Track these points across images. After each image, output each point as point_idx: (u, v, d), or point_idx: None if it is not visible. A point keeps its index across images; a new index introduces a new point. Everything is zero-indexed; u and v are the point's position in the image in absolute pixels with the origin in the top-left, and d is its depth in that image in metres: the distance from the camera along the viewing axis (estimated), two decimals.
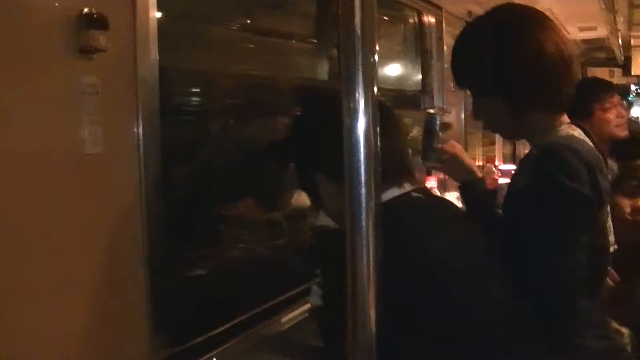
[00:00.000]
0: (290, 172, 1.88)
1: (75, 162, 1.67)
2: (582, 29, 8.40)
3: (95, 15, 1.67)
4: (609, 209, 1.93)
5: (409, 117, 4.23)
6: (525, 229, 1.76)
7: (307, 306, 2.60)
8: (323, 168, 1.69)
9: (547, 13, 2.01)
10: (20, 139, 1.54)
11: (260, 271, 2.72)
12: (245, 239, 2.72)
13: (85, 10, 1.66)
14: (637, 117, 11.43)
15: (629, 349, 2.00)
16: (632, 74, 11.93)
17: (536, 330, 1.65)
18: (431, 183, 4.15)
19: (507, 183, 2.11)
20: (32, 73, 1.57)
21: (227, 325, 2.25)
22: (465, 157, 2.18)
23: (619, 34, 8.49)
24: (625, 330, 2.05)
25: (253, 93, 2.68)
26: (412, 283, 1.51)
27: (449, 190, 4.27)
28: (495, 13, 1.95)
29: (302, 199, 2.59)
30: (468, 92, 2.07)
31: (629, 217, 2.87)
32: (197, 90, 2.36)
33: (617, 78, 11.58)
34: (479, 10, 2.35)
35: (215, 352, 2.16)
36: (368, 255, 1.06)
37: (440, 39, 4.48)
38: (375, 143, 1.04)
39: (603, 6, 6.29)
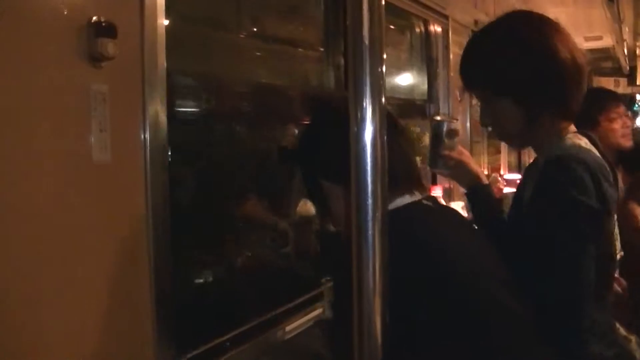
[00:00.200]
0: (297, 179, 1.88)
1: (83, 169, 1.68)
2: (587, 39, 8.41)
3: (104, 24, 1.67)
4: (616, 217, 1.92)
5: (417, 125, 4.24)
6: (533, 241, 1.75)
7: (313, 314, 2.60)
8: (332, 175, 1.69)
9: None
10: (29, 146, 1.54)
11: (266, 279, 2.72)
12: (251, 246, 2.73)
13: (94, 18, 1.67)
14: None
15: (637, 355, 1.99)
16: (638, 83, 11.93)
17: (547, 339, 1.65)
18: (437, 192, 4.15)
19: (512, 192, 2.11)
20: (41, 81, 1.57)
21: (233, 333, 2.25)
22: (472, 164, 2.18)
23: (625, 44, 8.49)
24: (633, 337, 2.05)
25: (260, 99, 2.68)
26: (428, 284, 1.51)
27: (454, 200, 4.27)
28: (510, 17, 1.95)
29: (308, 206, 2.59)
30: (474, 101, 2.06)
31: None
32: (204, 97, 2.36)
33: (623, 88, 11.58)
34: (485, 19, 2.36)
35: (221, 359, 2.16)
36: (374, 265, 1.06)
37: (446, 47, 4.49)
38: (383, 152, 1.04)
39: (609, 16, 6.30)
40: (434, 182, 4.38)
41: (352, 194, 1.06)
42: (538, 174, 1.83)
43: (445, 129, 2.12)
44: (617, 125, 3.60)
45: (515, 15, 1.96)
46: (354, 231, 1.07)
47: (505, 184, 5.12)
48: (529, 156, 2.67)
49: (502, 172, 5.99)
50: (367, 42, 1.03)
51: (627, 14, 6.45)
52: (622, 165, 3.88)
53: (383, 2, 1.06)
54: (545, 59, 1.82)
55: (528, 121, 1.87)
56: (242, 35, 2.82)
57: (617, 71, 11.93)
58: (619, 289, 2.27)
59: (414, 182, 1.74)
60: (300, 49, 3.26)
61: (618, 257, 1.98)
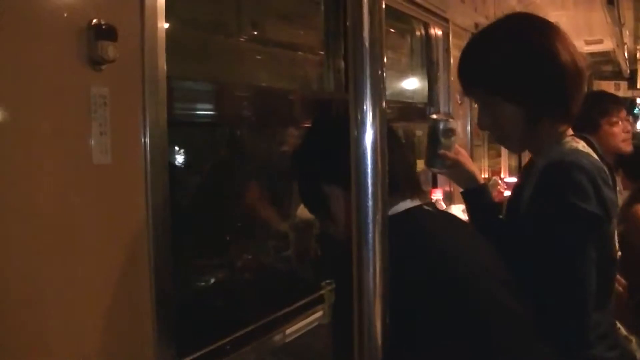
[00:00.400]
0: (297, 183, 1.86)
1: (83, 171, 1.68)
2: (588, 42, 8.42)
3: (104, 26, 1.67)
4: (615, 221, 1.92)
5: (419, 129, 4.24)
6: (534, 246, 1.75)
7: (313, 317, 2.60)
8: (336, 178, 1.68)
9: None
10: (30, 148, 1.54)
11: (267, 281, 2.72)
12: (252, 249, 2.73)
13: (94, 21, 1.67)
14: None
15: (638, 355, 2.00)
16: (638, 87, 11.93)
17: (550, 342, 1.65)
18: (437, 195, 4.15)
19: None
20: (42, 83, 1.57)
21: (234, 336, 2.25)
22: (469, 163, 2.18)
23: (625, 47, 8.50)
24: (633, 337, 2.06)
25: (260, 102, 2.68)
26: (429, 287, 1.51)
27: (454, 203, 4.27)
28: (511, 19, 1.94)
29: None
30: (475, 105, 2.05)
31: None
32: (204, 100, 2.36)
33: (623, 91, 11.59)
34: (485, 23, 2.36)
35: None
36: (374, 267, 1.06)
37: (446, 50, 4.49)
38: (383, 155, 1.04)
39: (609, 19, 6.30)
40: (435, 185, 4.39)
41: (353, 196, 1.07)
42: (537, 178, 1.83)
43: (442, 127, 2.12)
44: (618, 130, 3.61)
45: (516, 17, 1.96)
46: (354, 233, 1.07)
47: (505, 187, 5.12)
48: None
49: (502, 175, 5.99)
50: (367, 44, 1.03)
51: (628, 17, 6.45)
52: (623, 170, 3.88)
53: (383, 5, 1.06)
54: (547, 61, 1.81)
55: (528, 124, 1.86)
56: (242, 39, 2.83)
57: (617, 75, 11.94)
58: (619, 288, 2.28)
59: (414, 187, 1.74)
60: (300, 52, 3.27)
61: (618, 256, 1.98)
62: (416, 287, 1.49)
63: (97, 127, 1.70)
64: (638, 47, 9.70)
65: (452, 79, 4.45)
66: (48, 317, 1.59)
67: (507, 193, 4.80)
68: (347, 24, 1.06)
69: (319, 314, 2.63)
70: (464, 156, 2.18)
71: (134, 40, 1.81)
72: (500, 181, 5.40)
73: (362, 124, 1.04)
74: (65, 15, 1.62)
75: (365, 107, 1.03)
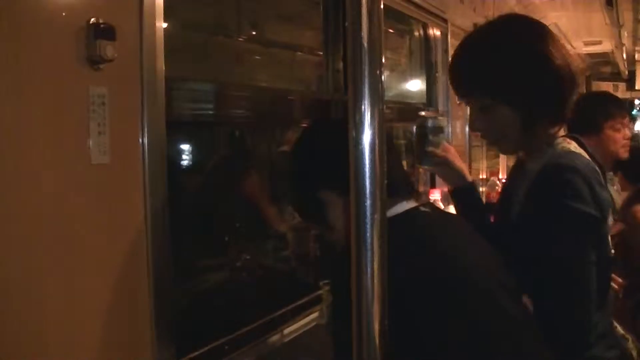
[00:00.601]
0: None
1: (82, 171, 1.68)
2: (587, 43, 8.43)
3: (102, 26, 1.67)
4: (610, 220, 1.93)
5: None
6: (533, 251, 1.75)
7: (311, 317, 2.60)
8: (333, 185, 1.67)
9: (553, 27, 2.04)
10: (28, 148, 1.54)
11: (265, 282, 2.72)
12: (250, 249, 2.73)
13: (93, 20, 1.66)
14: (639, 132, 11.40)
15: (634, 354, 2.00)
16: (637, 88, 11.94)
17: (550, 344, 1.65)
18: (435, 195, 4.15)
19: None
20: (40, 83, 1.57)
21: (232, 336, 2.25)
22: (457, 161, 2.18)
23: (624, 49, 8.50)
24: (629, 336, 2.06)
25: (259, 103, 2.68)
26: (428, 291, 1.51)
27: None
28: (505, 22, 1.93)
29: None
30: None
31: None
32: (203, 100, 2.36)
33: (622, 92, 11.60)
34: None
35: None
36: (372, 268, 1.06)
37: (445, 51, 4.49)
38: (382, 156, 1.04)
39: (608, 21, 6.30)
40: (433, 186, 4.39)
41: (351, 197, 1.06)
42: (531, 180, 1.83)
43: (430, 125, 2.12)
44: (619, 135, 3.60)
45: (511, 20, 1.94)
46: (352, 234, 1.07)
47: None
48: None
49: (500, 176, 5.99)
50: (366, 45, 1.02)
51: (627, 18, 6.45)
52: (621, 172, 3.88)
53: (382, 5, 1.06)
54: (543, 64, 1.81)
55: (522, 127, 1.85)
56: (241, 39, 2.82)
57: (616, 76, 11.94)
58: (615, 286, 2.29)
59: (409, 188, 1.74)
60: (299, 53, 3.26)
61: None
62: (415, 289, 1.49)
63: (95, 126, 1.69)
64: (637, 49, 9.70)
65: None
66: (46, 317, 1.59)
67: None
68: (346, 24, 1.05)
69: (317, 314, 2.63)
70: (452, 154, 2.19)
71: (132, 39, 1.81)
72: (498, 182, 5.40)
73: (361, 124, 1.03)
74: (64, 14, 1.62)
75: (363, 108, 1.03)
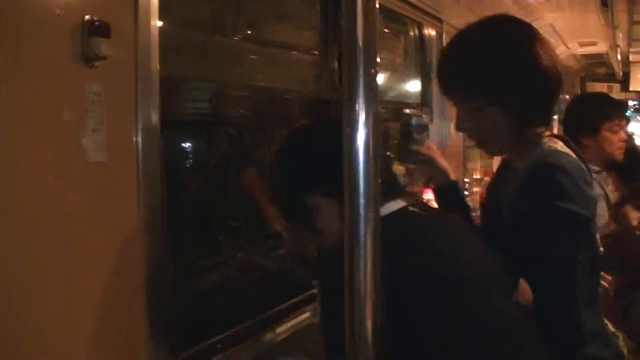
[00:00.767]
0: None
1: (77, 168, 1.67)
2: (582, 44, 8.45)
3: (97, 23, 1.67)
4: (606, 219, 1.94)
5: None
6: (524, 251, 1.76)
7: (305, 316, 2.60)
8: (323, 188, 1.66)
9: (549, 28, 2.04)
10: (23, 145, 1.54)
11: (259, 281, 2.72)
12: (245, 248, 2.73)
13: (87, 17, 1.66)
14: (633, 133, 11.43)
15: (624, 351, 2.02)
16: (631, 89, 11.96)
17: (546, 343, 1.65)
18: (429, 195, 4.14)
19: None
20: (35, 80, 1.57)
21: (226, 334, 2.25)
22: (440, 159, 2.19)
23: (619, 50, 8.52)
24: (619, 334, 2.07)
25: (254, 102, 2.68)
26: (422, 291, 1.51)
27: None
28: (494, 23, 1.93)
29: None
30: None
31: (636, 231, 2.88)
32: (198, 99, 2.36)
33: (616, 93, 11.61)
34: None
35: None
36: (366, 266, 1.06)
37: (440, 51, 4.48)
38: (376, 154, 1.04)
39: (603, 22, 6.31)
40: (428, 185, 4.38)
41: (345, 196, 1.06)
42: (519, 181, 1.84)
43: (414, 123, 2.12)
44: (616, 137, 3.61)
45: (499, 21, 1.94)
46: (346, 232, 1.07)
47: None
48: None
49: None
50: (361, 43, 1.03)
51: (622, 20, 6.46)
52: (615, 171, 3.89)
53: (377, 5, 1.06)
54: (531, 65, 1.82)
55: (510, 127, 1.86)
56: (236, 38, 2.82)
57: (610, 77, 11.97)
58: (605, 283, 2.30)
59: (396, 188, 1.74)
60: (295, 52, 3.26)
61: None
62: (412, 289, 1.49)
63: (90, 123, 1.69)
64: (631, 50, 9.72)
65: None
66: (41, 315, 1.59)
67: None
68: (342, 23, 1.06)
69: (310, 312, 2.63)
70: (435, 152, 2.19)
71: (127, 37, 1.81)
72: None
73: (355, 123, 1.04)
74: (58, 11, 1.62)
75: (357, 107, 1.03)
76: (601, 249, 1.97)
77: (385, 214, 1.62)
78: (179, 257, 2.18)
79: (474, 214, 2.28)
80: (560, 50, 8.62)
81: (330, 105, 3.11)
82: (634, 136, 9.61)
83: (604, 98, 4.01)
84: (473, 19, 1.97)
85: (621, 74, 11.48)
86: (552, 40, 7.53)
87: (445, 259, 1.59)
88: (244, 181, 2.62)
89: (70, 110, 1.65)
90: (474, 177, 5.56)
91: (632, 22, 7.00)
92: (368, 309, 1.07)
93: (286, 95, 2.91)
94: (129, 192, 1.83)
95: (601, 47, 8.58)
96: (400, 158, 2.16)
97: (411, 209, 1.70)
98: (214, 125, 2.62)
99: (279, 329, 2.52)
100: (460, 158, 4.79)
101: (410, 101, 4.54)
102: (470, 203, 4.75)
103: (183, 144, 2.41)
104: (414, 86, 4.61)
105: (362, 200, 1.05)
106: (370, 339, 1.08)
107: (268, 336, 2.46)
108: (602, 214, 3.04)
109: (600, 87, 11.60)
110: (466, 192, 4.90)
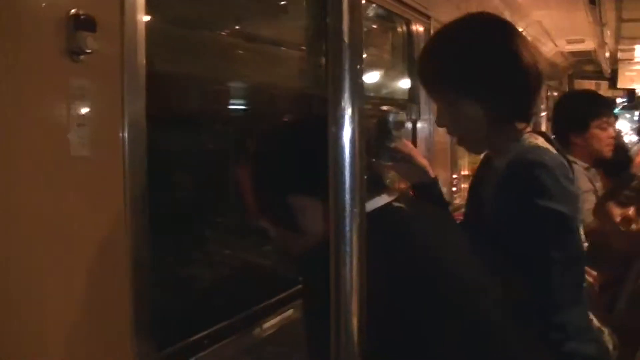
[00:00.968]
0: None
1: (61, 163, 1.66)
2: (570, 42, 8.48)
3: (82, 17, 1.66)
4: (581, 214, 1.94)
5: None
6: (504, 249, 1.76)
7: (291, 312, 2.60)
8: (306, 189, 1.63)
9: (537, 25, 2.05)
10: (6, 139, 1.53)
11: (244, 277, 2.72)
12: (229, 245, 2.72)
13: (73, 11, 1.65)
14: (620, 131, 11.49)
15: (610, 346, 2.03)
16: (618, 87, 12.01)
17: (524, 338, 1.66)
18: None
19: None
20: (20, 75, 1.56)
21: (211, 330, 2.25)
22: (419, 157, 2.19)
23: (607, 47, 8.56)
24: (605, 329, 2.08)
25: (241, 97, 2.68)
26: (403, 287, 1.51)
27: None
28: (475, 19, 1.95)
29: None
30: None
31: (620, 227, 2.89)
32: (184, 95, 2.35)
33: (604, 91, 11.66)
34: None
35: (198, 356, 2.16)
36: (351, 263, 1.06)
37: None
38: (361, 151, 1.04)
39: (591, 19, 6.34)
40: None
41: (330, 192, 1.06)
42: (499, 177, 1.84)
43: (392, 120, 2.11)
44: (605, 134, 3.64)
45: (480, 18, 1.96)
46: (331, 228, 1.07)
47: None
48: None
49: None
50: (346, 40, 1.03)
51: (609, 17, 6.49)
52: (603, 168, 3.92)
53: (363, 1, 1.06)
54: (512, 62, 1.83)
55: (490, 124, 1.87)
56: (223, 33, 2.81)
57: (598, 74, 12.02)
58: (590, 279, 2.32)
59: (382, 184, 1.74)
60: (283, 48, 3.25)
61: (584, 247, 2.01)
62: (395, 285, 1.49)
63: (75, 118, 1.68)
64: (619, 47, 9.75)
65: None
66: (22, 310, 1.58)
67: None
68: (327, 20, 1.05)
69: (296, 308, 2.63)
70: (413, 149, 2.20)
71: (113, 31, 1.80)
72: None
73: (341, 119, 1.04)
74: (44, 5, 1.61)
75: (343, 103, 1.03)
76: (586, 244, 1.98)
77: (371, 209, 1.61)
78: (164, 253, 2.17)
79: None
80: (548, 48, 8.65)
81: (316, 101, 3.10)
82: (622, 134, 9.67)
83: (593, 95, 4.05)
84: (460, 15, 1.98)
85: (609, 71, 11.53)
86: (540, 38, 7.56)
87: (430, 255, 1.59)
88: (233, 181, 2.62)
89: (55, 105, 1.64)
90: (462, 173, 5.57)
91: (620, 20, 7.02)
92: (354, 305, 1.07)
93: (274, 91, 2.90)
94: (114, 187, 1.82)
95: (589, 45, 8.61)
96: (376, 156, 2.13)
97: (396, 204, 1.70)
98: (201, 121, 2.61)
99: (266, 325, 2.52)
100: (448, 154, 4.80)
101: (399, 97, 4.54)
102: (458, 200, 4.78)
103: (169, 139, 2.39)
104: (402, 82, 4.60)
105: (347, 197, 1.05)
106: (356, 336, 1.08)
107: (254, 331, 2.46)
108: (592, 208, 3.06)
109: (588, 85, 11.65)
110: (454, 189, 4.91)
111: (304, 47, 3.33)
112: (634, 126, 13.18)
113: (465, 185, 5.07)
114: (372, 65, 4.24)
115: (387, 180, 1.82)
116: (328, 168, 1.06)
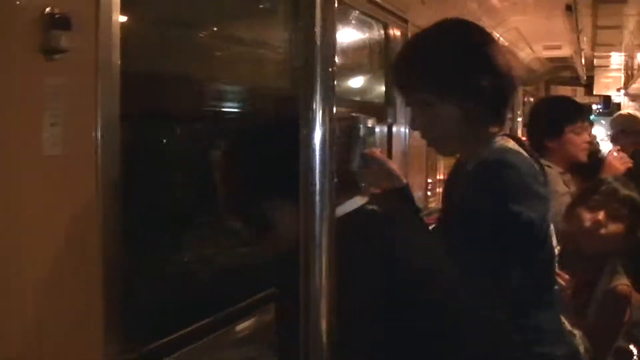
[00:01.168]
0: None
1: (33, 162, 1.65)
2: (547, 48, 8.54)
3: (57, 15, 1.65)
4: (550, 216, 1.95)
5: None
6: (467, 252, 1.76)
7: (264, 314, 2.60)
8: (284, 191, 1.60)
9: (514, 31, 2.07)
10: None
11: (218, 278, 2.71)
12: (203, 245, 2.71)
13: (48, 9, 1.64)
14: (595, 137, 11.57)
15: (581, 349, 2.04)
16: (594, 93, 12.13)
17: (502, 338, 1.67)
18: None
19: None
20: None
21: (183, 331, 2.24)
22: (389, 163, 2.20)
23: (583, 54, 8.63)
24: (576, 332, 2.10)
25: (216, 98, 2.67)
26: (379, 290, 1.52)
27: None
28: (451, 24, 1.97)
29: None
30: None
31: (590, 231, 2.91)
32: (159, 94, 2.33)
33: (580, 97, 11.78)
34: None
35: (171, 357, 2.15)
36: (321, 265, 1.06)
37: None
38: (331, 154, 1.05)
39: (568, 26, 6.38)
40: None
41: (301, 194, 1.07)
42: (468, 179, 1.86)
43: (363, 126, 2.10)
44: (580, 139, 3.69)
45: (456, 22, 1.99)
46: (301, 231, 1.07)
47: None
48: None
49: None
50: (318, 42, 1.03)
51: (586, 24, 6.55)
52: (579, 173, 3.95)
53: (336, 4, 1.06)
54: (489, 66, 1.85)
55: (464, 126, 1.88)
56: (201, 34, 2.81)
57: (575, 80, 12.13)
58: (562, 282, 2.33)
59: (355, 187, 1.75)
60: (261, 50, 3.25)
61: (556, 251, 2.02)
62: (366, 288, 1.49)
63: (48, 117, 1.67)
64: (595, 54, 9.84)
65: None
66: None
67: None
68: (299, 22, 1.06)
69: (270, 310, 2.62)
70: (382, 156, 2.20)
71: (88, 31, 1.79)
72: None
73: (312, 121, 1.04)
74: (18, 3, 1.60)
75: (314, 105, 1.03)
76: (557, 248, 1.99)
77: (343, 212, 1.62)
78: (137, 253, 2.16)
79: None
80: (525, 54, 8.70)
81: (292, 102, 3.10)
82: (596, 140, 9.74)
83: (568, 101, 4.10)
84: (437, 19, 2.00)
85: (585, 77, 11.63)
86: (518, 44, 7.60)
87: (402, 257, 1.60)
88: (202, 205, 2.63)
89: (28, 104, 1.63)
90: (438, 177, 5.58)
91: (596, 27, 7.10)
92: (323, 308, 1.07)
93: (251, 92, 2.90)
94: (87, 187, 1.81)
95: (566, 51, 8.67)
96: (347, 162, 2.12)
97: (369, 207, 1.71)
98: (175, 120, 2.61)
99: (239, 327, 2.51)
100: (424, 158, 4.82)
101: (375, 101, 4.55)
102: (434, 204, 4.79)
103: (144, 138, 2.38)
104: (378, 86, 4.61)
105: (317, 198, 1.05)
106: (324, 339, 1.08)
107: (226, 333, 2.45)
108: None
109: (564, 91, 11.76)
110: (429, 193, 4.93)
111: (279, 49, 3.32)
112: (609, 132, 13.27)
113: (440, 190, 5.09)
114: (348, 69, 4.24)
115: (362, 184, 1.82)
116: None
